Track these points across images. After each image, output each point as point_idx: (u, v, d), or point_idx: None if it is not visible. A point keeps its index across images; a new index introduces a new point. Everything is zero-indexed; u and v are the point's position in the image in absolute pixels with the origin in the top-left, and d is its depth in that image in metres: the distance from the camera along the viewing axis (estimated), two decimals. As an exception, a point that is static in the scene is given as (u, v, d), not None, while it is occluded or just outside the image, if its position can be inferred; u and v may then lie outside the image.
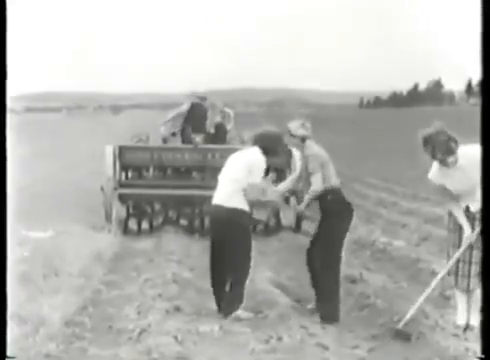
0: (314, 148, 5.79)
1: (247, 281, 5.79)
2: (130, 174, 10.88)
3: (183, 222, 10.45)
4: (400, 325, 5.23)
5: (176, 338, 4.95)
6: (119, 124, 49.78)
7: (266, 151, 5.80)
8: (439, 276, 5.41)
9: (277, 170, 6.12)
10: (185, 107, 11.37)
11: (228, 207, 5.70)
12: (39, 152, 23.79)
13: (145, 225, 10.43)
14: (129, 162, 10.56)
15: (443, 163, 5.21)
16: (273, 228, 10.13)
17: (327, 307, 5.72)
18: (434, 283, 5.40)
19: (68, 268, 7.23)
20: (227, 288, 5.77)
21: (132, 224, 10.39)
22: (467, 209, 5.32)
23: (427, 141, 5.17)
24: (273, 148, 5.83)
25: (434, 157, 5.21)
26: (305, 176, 5.78)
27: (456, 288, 5.43)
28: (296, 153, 10.52)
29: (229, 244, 5.72)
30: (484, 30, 4.07)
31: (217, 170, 6.16)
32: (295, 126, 5.75)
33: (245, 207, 5.71)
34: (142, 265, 7.83)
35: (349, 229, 5.86)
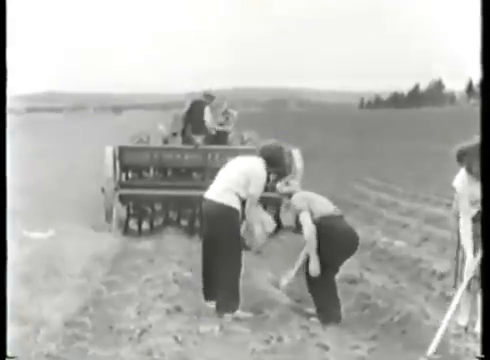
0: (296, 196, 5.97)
1: (241, 280, 5.81)
2: (130, 175, 10.88)
3: (183, 222, 10.44)
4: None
5: (176, 338, 4.95)
6: (120, 124, 49.78)
7: (269, 162, 6.04)
8: (456, 299, 5.14)
9: (278, 172, 6.25)
10: (186, 107, 11.38)
11: (217, 202, 5.80)
12: (39, 152, 23.78)
13: (145, 225, 10.41)
14: (129, 163, 10.56)
15: (477, 176, 5.16)
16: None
17: (327, 312, 5.72)
18: (454, 304, 5.13)
19: (68, 268, 7.22)
20: (219, 285, 5.79)
21: (132, 224, 10.38)
22: (478, 213, 5.30)
23: (464, 154, 5.14)
24: (276, 160, 6.10)
25: (470, 171, 5.18)
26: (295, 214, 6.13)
27: (467, 290, 5.38)
28: (296, 153, 10.54)
29: (217, 239, 5.80)
30: (484, 30, 4.06)
31: (217, 171, 6.17)
32: (280, 185, 6.15)
33: (236, 205, 5.79)
34: (143, 265, 7.83)
35: (347, 250, 5.99)
